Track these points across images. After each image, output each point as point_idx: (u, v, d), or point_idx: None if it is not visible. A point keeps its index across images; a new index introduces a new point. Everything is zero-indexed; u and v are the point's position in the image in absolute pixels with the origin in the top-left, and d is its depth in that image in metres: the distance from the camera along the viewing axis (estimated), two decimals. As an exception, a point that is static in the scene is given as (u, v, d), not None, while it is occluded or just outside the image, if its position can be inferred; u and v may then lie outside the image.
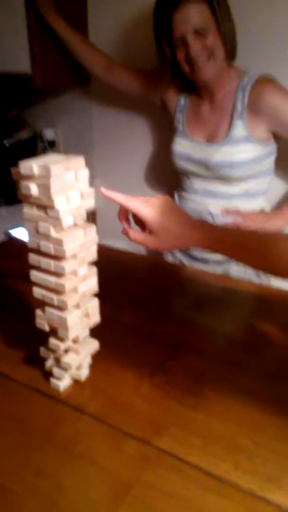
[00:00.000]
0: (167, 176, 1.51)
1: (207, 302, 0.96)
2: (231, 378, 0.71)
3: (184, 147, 1.22)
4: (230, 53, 1.10)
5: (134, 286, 1.02)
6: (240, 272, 1.23)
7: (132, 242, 0.69)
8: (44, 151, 1.71)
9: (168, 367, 0.73)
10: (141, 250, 1.66)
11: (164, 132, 1.50)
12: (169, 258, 1.38)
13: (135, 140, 1.60)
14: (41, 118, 1.71)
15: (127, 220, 0.71)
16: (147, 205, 0.66)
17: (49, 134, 1.69)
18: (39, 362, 0.70)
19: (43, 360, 0.69)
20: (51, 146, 1.72)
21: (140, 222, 0.70)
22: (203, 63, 1.07)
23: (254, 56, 1.23)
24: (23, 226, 0.60)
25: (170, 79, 1.22)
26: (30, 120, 1.70)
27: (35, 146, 1.70)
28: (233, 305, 0.96)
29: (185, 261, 1.32)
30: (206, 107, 1.20)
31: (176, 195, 1.31)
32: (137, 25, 1.40)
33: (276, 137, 1.15)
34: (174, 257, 1.36)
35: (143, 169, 1.63)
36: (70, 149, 1.72)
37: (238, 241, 0.69)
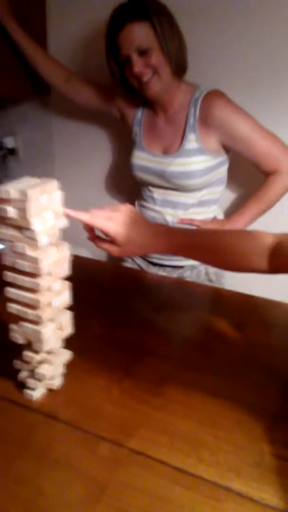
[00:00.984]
0: (127, 186, 1.56)
1: (166, 306, 1.02)
2: (193, 378, 0.77)
3: (142, 159, 1.27)
4: (177, 70, 1.15)
5: (97, 293, 1.06)
6: (193, 277, 1.31)
7: (94, 249, 0.75)
8: (3, 158, 1.70)
9: (135, 372, 0.78)
10: (102, 257, 1.71)
11: (124, 142, 1.54)
12: (128, 264, 1.43)
13: (96, 150, 1.63)
14: (0, 126, 1.70)
15: (92, 229, 0.76)
16: (111, 222, 0.72)
17: (9, 142, 1.69)
18: (10, 374, 0.73)
19: (14, 371, 0.72)
20: (11, 153, 1.71)
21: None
22: (147, 79, 1.13)
23: (206, 70, 1.30)
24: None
25: (124, 94, 1.28)
26: (-12, 127, 1.69)
27: (-6, 153, 1.69)
28: (190, 307, 1.03)
29: (144, 266, 1.38)
30: (161, 120, 1.26)
31: (136, 205, 1.37)
32: (95, 39, 1.44)
33: (227, 148, 1.23)
34: (133, 262, 1.42)
35: (103, 178, 1.67)
36: (30, 158, 1.72)
37: (194, 243, 0.76)
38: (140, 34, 1.08)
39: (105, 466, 0.61)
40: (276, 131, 1.18)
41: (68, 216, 0.65)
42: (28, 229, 0.58)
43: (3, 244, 0.61)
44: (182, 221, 1.23)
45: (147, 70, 1.11)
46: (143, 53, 1.09)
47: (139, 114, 1.29)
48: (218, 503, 0.57)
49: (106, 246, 0.75)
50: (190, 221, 1.23)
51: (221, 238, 0.77)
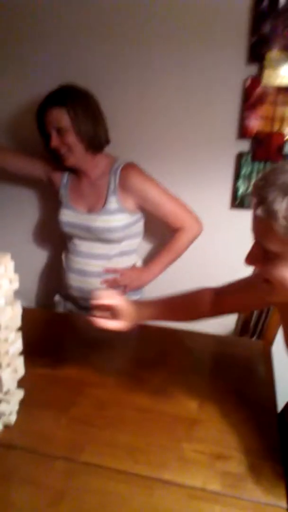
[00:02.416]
0: (55, 240, 1.73)
1: (98, 343, 1.19)
2: (125, 401, 0.96)
3: (69, 216, 1.47)
4: (92, 148, 1.40)
5: (39, 337, 1.20)
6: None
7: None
8: None
9: (78, 401, 0.95)
10: (31, 304, 1.84)
11: (49, 200, 1.73)
12: (61, 308, 1.59)
13: (24, 207, 1.79)
14: None
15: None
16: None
17: None
18: None
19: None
20: None
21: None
22: (63, 154, 1.38)
23: (124, 146, 1.56)
24: None
25: (51, 162, 1.49)
26: None
27: None
28: (118, 342, 1.21)
29: (74, 310, 1.55)
30: (84, 184, 1.48)
31: (63, 257, 1.55)
32: (24, 114, 1.63)
33: (141, 208, 1.48)
34: (65, 308, 1.58)
35: (31, 233, 1.82)
36: None
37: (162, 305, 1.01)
38: (57, 117, 1.33)
39: (62, 478, 0.76)
40: (180, 196, 1.46)
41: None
42: (-11, 294, 0.74)
43: None
44: (107, 270, 1.43)
45: (63, 146, 1.37)
46: (60, 132, 1.33)
47: (65, 179, 1.50)
48: (152, 491, 0.75)
49: (114, 324, 0.96)
50: (114, 270, 1.44)
51: (178, 299, 1.02)
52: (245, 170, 1.53)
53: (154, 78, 1.51)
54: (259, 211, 0.64)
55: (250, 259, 0.71)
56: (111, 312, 0.95)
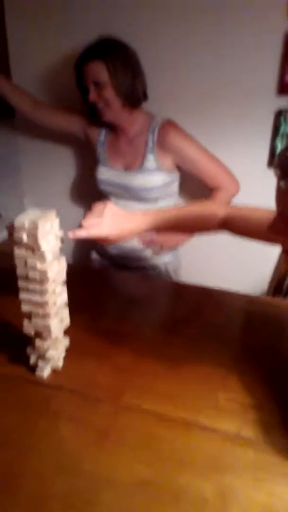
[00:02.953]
0: (91, 198, 1.76)
1: (134, 299, 1.25)
2: (162, 352, 1.00)
3: (106, 174, 1.49)
4: (129, 103, 1.39)
5: (76, 293, 1.25)
6: (155, 275, 1.55)
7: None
8: None
9: (117, 351, 1.01)
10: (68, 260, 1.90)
11: (85, 158, 1.74)
12: (97, 265, 1.64)
13: (61, 164, 1.82)
14: None
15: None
16: (101, 228, 0.95)
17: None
18: (21, 360, 0.93)
19: (25, 358, 0.92)
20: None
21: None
22: (100, 109, 1.38)
23: (162, 103, 1.54)
24: None
25: (88, 117, 1.49)
26: None
27: None
28: (156, 298, 1.26)
29: (110, 267, 1.60)
30: (122, 141, 1.48)
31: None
32: (62, 68, 1.62)
33: (179, 167, 1.48)
34: (101, 264, 1.63)
35: (67, 191, 1.86)
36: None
37: (164, 219, 1.00)
38: (96, 70, 1.32)
39: (106, 418, 0.83)
40: (216, 154, 1.44)
41: (72, 238, 0.87)
42: (38, 249, 0.78)
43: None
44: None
45: (100, 100, 1.35)
46: (97, 85, 1.32)
47: (102, 136, 1.51)
48: (189, 433, 0.81)
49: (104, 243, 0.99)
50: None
51: (182, 211, 1.02)
52: (284, 128, 1.49)
53: (191, 31, 1.46)
54: (282, 184, 0.61)
55: (271, 229, 0.70)
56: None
